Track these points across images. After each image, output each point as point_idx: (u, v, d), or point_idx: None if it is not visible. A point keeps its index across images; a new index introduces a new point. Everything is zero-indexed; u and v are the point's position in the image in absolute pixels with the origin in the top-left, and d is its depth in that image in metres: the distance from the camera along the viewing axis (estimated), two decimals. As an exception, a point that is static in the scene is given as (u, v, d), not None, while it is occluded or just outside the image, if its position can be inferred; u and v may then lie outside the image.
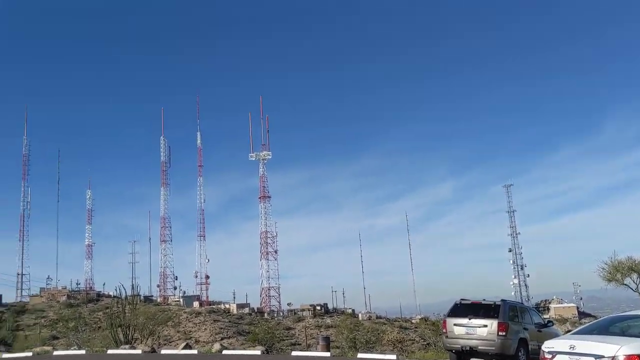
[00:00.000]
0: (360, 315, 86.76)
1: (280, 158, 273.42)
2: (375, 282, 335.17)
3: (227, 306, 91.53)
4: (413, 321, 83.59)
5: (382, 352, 24.18)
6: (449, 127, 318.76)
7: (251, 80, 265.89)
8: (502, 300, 18.12)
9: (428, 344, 40.04)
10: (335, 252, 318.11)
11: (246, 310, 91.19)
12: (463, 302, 18.54)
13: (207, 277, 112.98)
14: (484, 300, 18.40)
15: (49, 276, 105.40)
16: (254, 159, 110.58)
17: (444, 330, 18.37)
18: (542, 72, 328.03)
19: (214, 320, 75.99)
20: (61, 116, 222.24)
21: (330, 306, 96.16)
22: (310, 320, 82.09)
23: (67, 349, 30.48)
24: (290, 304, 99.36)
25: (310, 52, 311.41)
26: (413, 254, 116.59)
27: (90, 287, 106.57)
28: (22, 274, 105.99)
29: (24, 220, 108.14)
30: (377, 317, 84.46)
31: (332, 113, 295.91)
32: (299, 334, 73.02)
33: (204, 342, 60.51)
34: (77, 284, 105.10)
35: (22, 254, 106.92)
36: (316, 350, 25.49)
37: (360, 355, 20.75)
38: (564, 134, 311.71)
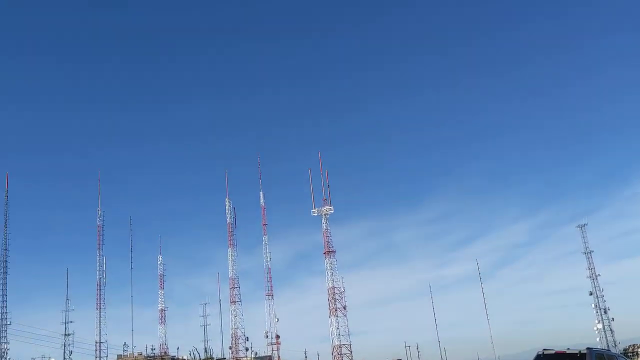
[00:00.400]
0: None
1: (342, 211, 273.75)
2: (450, 334, 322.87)
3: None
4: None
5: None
6: (517, 163, 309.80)
7: (310, 135, 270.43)
8: (588, 349, 17.15)
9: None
10: (406, 305, 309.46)
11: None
12: (546, 352, 17.64)
13: (278, 336, 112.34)
14: (569, 349, 17.47)
15: (125, 343, 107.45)
16: (316, 214, 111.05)
17: (528, 384, 17.48)
18: (609, 96, 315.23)
19: (288, 381, 75.09)
20: (132, 184, 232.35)
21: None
22: (385, 376, 79.74)
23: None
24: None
25: (361, 93, 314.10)
26: (488, 302, 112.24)
27: (165, 352, 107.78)
28: (99, 342, 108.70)
29: (100, 289, 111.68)
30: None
31: (391, 159, 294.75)
32: (374, 392, 70.96)
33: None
34: (152, 349, 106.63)
35: (99, 322, 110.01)
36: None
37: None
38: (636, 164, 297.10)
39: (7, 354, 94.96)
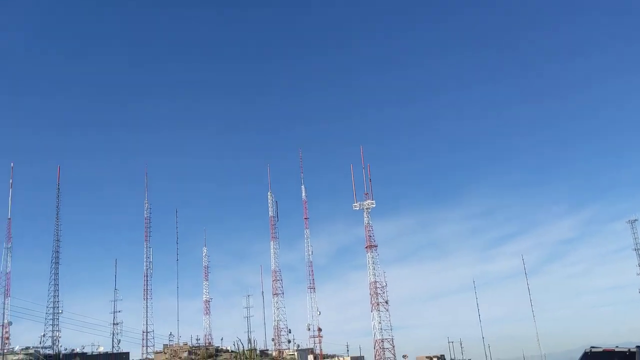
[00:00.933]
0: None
1: (384, 206, 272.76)
2: (494, 330, 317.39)
3: (342, 359, 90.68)
4: (539, 372, 78.43)
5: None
6: (564, 157, 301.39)
7: (351, 128, 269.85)
8: (638, 347, 16.68)
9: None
10: (449, 300, 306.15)
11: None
12: (594, 350, 17.25)
13: (320, 329, 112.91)
14: (617, 347, 17.04)
15: (170, 332, 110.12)
16: (357, 208, 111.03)
17: (575, 382, 17.13)
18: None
19: (329, 374, 75.53)
20: (177, 179, 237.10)
21: (448, 357, 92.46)
22: (428, 372, 79.35)
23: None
24: (405, 356, 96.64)
25: (405, 88, 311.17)
26: (533, 298, 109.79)
27: (210, 342, 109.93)
28: (146, 332, 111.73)
29: (147, 280, 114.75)
30: (499, 368, 79.97)
31: (435, 153, 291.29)
32: (416, 387, 70.74)
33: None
34: (197, 339, 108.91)
35: (146, 312, 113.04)
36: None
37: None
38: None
39: (59, 341, 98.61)
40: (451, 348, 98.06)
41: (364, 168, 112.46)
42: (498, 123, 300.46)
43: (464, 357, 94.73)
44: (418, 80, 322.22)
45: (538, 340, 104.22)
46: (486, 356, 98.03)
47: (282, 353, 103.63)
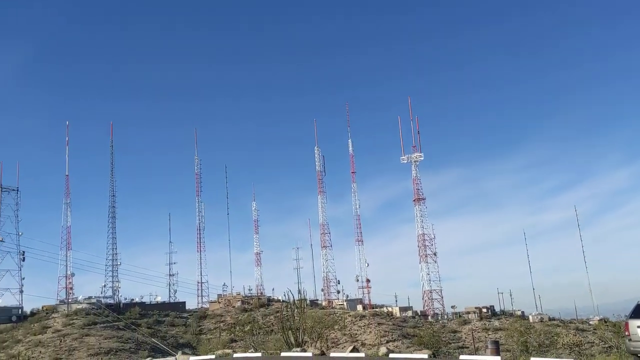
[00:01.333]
0: (530, 317, 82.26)
1: (433, 158, 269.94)
2: (545, 282, 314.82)
3: (390, 309, 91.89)
4: (591, 323, 77.49)
5: (557, 356, 22.79)
6: (619, 108, 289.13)
7: (399, 81, 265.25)
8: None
9: (610, 347, 36.92)
10: (499, 252, 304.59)
11: (409, 313, 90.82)
12: (648, 301, 16.93)
13: (368, 280, 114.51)
14: (672, 299, 16.65)
15: (224, 283, 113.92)
16: (405, 161, 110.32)
17: (627, 333, 16.90)
18: None
19: (378, 323, 76.80)
20: (226, 135, 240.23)
21: (497, 308, 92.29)
22: (477, 323, 79.62)
23: (245, 352, 32.74)
24: (454, 306, 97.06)
25: (455, 46, 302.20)
26: (586, 250, 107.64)
27: (261, 293, 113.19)
28: (201, 282, 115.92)
29: (200, 233, 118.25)
30: (550, 319, 79.46)
31: (486, 105, 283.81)
32: (465, 337, 71.24)
33: (369, 344, 61.47)
34: (249, 289, 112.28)
35: (201, 264, 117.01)
36: (485, 354, 24.74)
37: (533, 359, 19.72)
38: None
39: (119, 291, 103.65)
40: (500, 299, 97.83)
41: (411, 120, 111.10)
42: (555, 72, 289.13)
43: (514, 308, 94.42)
44: (469, 38, 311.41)
45: (590, 290, 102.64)
46: (536, 306, 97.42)
47: (332, 303, 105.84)
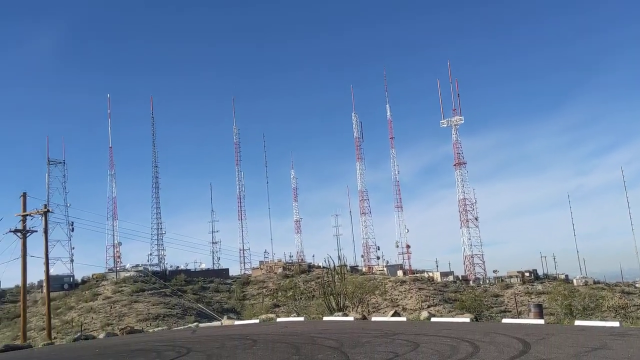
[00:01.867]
0: (574, 281, 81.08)
1: (474, 121, 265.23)
2: (590, 245, 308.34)
3: (431, 274, 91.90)
4: (637, 285, 75.97)
5: (602, 319, 22.46)
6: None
7: (437, 45, 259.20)
8: None
9: (657, 310, 36.15)
10: (542, 216, 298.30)
11: (450, 278, 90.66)
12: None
13: (408, 246, 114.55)
14: None
15: (265, 250, 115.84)
16: (445, 125, 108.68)
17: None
18: None
19: (419, 289, 77.02)
20: (264, 103, 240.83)
21: (540, 272, 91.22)
22: (519, 287, 78.99)
23: (288, 316, 33.38)
24: (496, 271, 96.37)
25: (494, 9, 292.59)
26: (632, 212, 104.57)
27: (302, 259, 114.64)
28: (243, 250, 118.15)
29: (241, 202, 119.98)
30: (594, 283, 78.18)
31: (528, 64, 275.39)
32: (507, 301, 70.85)
33: (410, 309, 61.85)
34: (290, 256, 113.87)
35: (242, 232, 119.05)
36: (528, 317, 24.58)
37: (578, 323, 19.52)
38: None
39: (164, 259, 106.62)
40: (543, 262, 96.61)
41: (451, 83, 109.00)
42: (597, 36, 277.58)
43: (557, 272, 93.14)
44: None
45: (637, 253, 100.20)
46: (580, 270, 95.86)
47: (372, 269, 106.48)
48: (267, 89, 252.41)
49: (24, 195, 38.74)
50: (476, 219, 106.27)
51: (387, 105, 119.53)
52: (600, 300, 35.88)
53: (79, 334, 31.93)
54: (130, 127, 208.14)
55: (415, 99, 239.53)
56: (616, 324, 19.06)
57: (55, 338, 40.48)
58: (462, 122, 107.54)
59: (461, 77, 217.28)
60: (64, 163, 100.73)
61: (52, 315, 43.86)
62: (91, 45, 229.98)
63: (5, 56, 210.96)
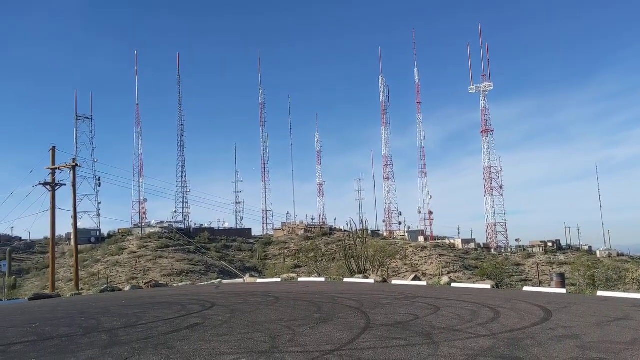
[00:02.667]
0: (598, 252, 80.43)
1: (502, 88, 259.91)
2: (616, 218, 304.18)
3: (452, 241, 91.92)
4: (662, 260, 75.16)
5: (625, 291, 22.28)
6: None
7: (468, 9, 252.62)
8: None
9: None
10: (567, 187, 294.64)
11: (472, 245, 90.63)
12: None
13: (431, 212, 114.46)
14: None
15: (288, 212, 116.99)
16: (474, 91, 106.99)
17: None
18: None
19: (439, 255, 77.19)
20: (288, 61, 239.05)
21: (563, 243, 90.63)
22: (541, 256, 78.64)
23: (309, 277, 33.79)
24: (518, 240, 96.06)
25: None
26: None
27: (324, 222, 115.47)
28: (266, 211, 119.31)
29: (264, 163, 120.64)
30: (618, 255, 77.45)
31: (560, 33, 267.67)
32: (529, 270, 70.72)
33: (430, 274, 62.07)
34: (312, 219, 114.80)
35: (265, 193, 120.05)
36: (550, 286, 24.51)
37: (600, 293, 19.40)
38: None
39: (189, 217, 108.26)
40: (567, 233, 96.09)
41: (481, 48, 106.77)
42: (634, 3, 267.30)
43: (581, 243, 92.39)
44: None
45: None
46: (605, 242, 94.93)
47: (393, 234, 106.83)
48: (293, 54, 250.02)
49: (53, 148, 39.43)
50: (501, 187, 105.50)
51: (416, 69, 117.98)
52: (624, 272, 35.53)
53: (105, 285, 32.81)
54: (157, 83, 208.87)
55: (443, 65, 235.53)
56: (639, 295, 18.87)
57: (82, 289, 41.70)
58: (491, 88, 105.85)
59: (492, 44, 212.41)
60: (92, 119, 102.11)
61: (79, 267, 45.07)
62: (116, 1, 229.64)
63: (35, 14, 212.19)
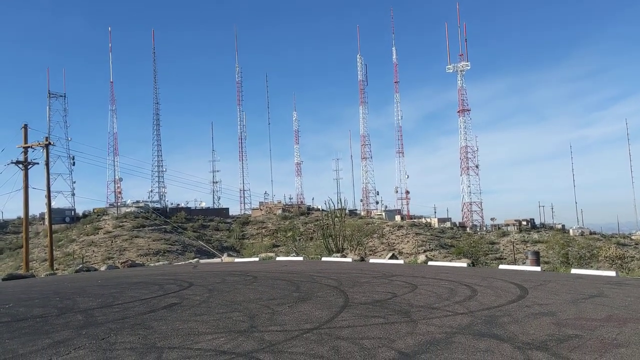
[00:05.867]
0: (571, 231, 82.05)
1: (479, 68, 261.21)
2: (588, 197, 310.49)
3: (428, 220, 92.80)
4: (633, 238, 76.97)
5: (598, 269, 22.72)
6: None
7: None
8: None
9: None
10: (542, 166, 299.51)
11: (447, 224, 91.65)
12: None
13: (407, 192, 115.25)
14: None
15: (265, 192, 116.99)
16: (451, 71, 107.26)
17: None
18: None
19: (416, 234, 77.90)
20: (266, 40, 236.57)
21: (537, 221, 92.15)
22: (516, 235, 79.89)
23: (287, 256, 33.81)
24: (493, 218, 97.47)
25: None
26: (634, 164, 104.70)
27: (301, 202, 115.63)
28: (243, 190, 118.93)
29: (242, 142, 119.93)
30: (591, 233, 79.11)
31: (536, 15, 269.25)
32: (503, 249, 71.83)
33: (407, 253, 62.69)
34: (290, 198, 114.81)
35: (243, 172, 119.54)
36: (524, 264, 24.87)
37: (574, 271, 19.73)
38: None
39: (165, 196, 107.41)
40: (541, 212, 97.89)
41: (459, 27, 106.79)
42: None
43: (554, 222, 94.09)
44: None
45: (635, 206, 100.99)
46: (578, 221, 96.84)
47: (370, 213, 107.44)
48: (271, 34, 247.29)
49: (25, 126, 38.55)
50: (477, 166, 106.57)
51: (394, 48, 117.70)
52: (597, 251, 36.30)
53: (80, 265, 32.41)
54: (132, 60, 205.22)
55: (421, 45, 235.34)
56: (612, 273, 19.24)
57: (57, 269, 41.18)
58: (469, 67, 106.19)
59: (469, 25, 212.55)
60: (65, 96, 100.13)
61: (53, 247, 44.46)
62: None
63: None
